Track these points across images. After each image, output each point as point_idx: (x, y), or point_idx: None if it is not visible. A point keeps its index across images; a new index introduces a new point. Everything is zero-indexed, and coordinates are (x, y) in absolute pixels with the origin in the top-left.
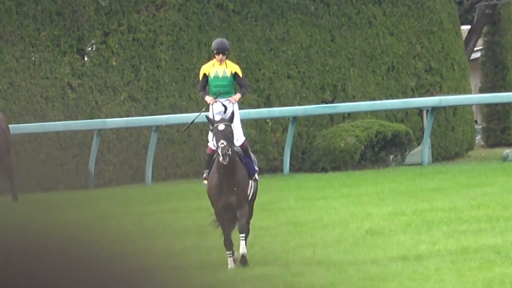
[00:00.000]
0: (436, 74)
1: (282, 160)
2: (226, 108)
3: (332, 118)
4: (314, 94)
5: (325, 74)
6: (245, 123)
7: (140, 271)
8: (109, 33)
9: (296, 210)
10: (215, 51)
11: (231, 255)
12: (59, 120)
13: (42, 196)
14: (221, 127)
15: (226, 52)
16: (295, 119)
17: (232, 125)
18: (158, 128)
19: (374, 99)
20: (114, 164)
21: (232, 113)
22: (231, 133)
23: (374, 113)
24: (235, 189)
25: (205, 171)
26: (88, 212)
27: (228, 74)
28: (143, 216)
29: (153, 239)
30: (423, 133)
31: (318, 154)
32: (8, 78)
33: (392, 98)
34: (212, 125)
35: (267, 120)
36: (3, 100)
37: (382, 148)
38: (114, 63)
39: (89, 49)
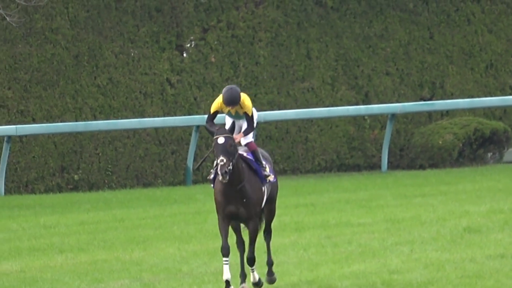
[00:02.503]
0: None
1: (380, 157)
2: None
3: (430, 115)
4: (412, 91)
5: (424, 71)
6: (343, 120)
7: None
8: (208, 30)
9: (394, 207)
10: (225, 104)
11: (227, 262)
12: (158, 116)
13: (141, 191)
14: (221, 140)
15: (237, 104)
16: (393, 116)
17: (232, 136)
18: (256, 124)
19: (472, 97)
20: (213, 160)
21: (233, 124)
22: (231, 146)
23: (472, 111)
24: (244, 200)
25: (211, 171)
26: (186, 208)
27: (241, 113)
28: None
29: None
30: None
31: (416, 151)
32: (107, 74)
33: (490, 96)
34: (212, 135)
35: (365, 117)
36: (102, 96)
37: (480, 146)
38: (213, 59)
39: (188, 45)
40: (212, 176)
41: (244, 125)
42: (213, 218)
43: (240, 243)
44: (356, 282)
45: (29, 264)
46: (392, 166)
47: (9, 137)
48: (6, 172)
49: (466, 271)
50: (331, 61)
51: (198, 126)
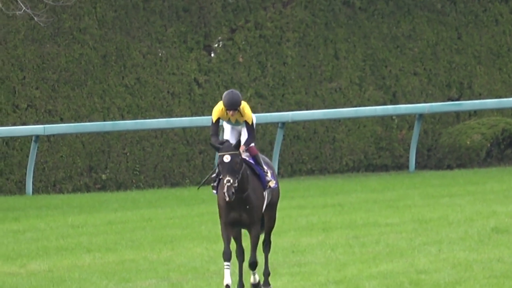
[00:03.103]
0: None
1: (408, 157)
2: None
3: (458, 116)
4: (440, 92)
5: (451, 71)
6: (370, 120)
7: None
8: (235, 30)
9: (422, 208)
10: (226, 107)
11: (228, 267)
12: (186, 116)
13: (168, 191)
14: (227, 158)
15: (238, 107)
16: (421, 116)
17: (238, 152)
18: (284, 124)
19: (500, 97)
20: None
21: (239, 141)
22: (237, 164)
23: (500, 111)
24: (247, 207)
25: (213, 177)
26: (214, 208)
27: (241, 121)
28: None
29: (279, 235)
30: None
31: (444, 152)
32: (135, 74)
33: None
34: (217, 151)
35: (393, 117)
36: (130, 95)
37: (508, 146)
38: (240, 59)
39: (216, 45)
40: (214, 184)
41: (244, 134)
42: None
43: (240, 252)
44: (384, 282)
45: (57, 263)
46: (420, 166)
47: (37, 136)
48: (34, 172)
49: (493, 271)
50: (358, 61)
51: None
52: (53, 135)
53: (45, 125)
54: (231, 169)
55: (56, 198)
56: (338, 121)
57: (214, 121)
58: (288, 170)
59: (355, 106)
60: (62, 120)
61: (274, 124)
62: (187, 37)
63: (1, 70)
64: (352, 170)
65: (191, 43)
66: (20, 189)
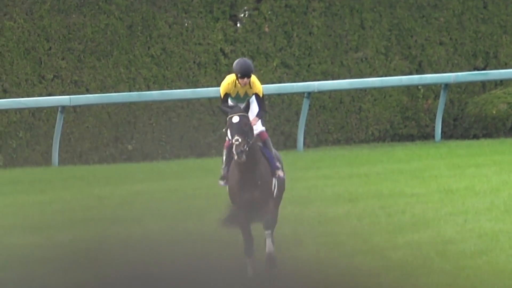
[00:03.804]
0: None
1: (434, 127)
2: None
3: (484, 85)
4: (466, 61)
5: (477, 41)
6: (396, 90)
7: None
8: (261, 0)
9: (448, 178)
10: (238, 75)
11: (251, 263)
12: (212, 86)
13: (194, 162)
14: (235, 119)
15: (251, 74)
16: (447, 86)
17: (248, 115)
18: (310, 94)
19: None
20: (266, 130)
21: (248, 103)
22: (247, 125)
23: None
24: (259, 182)
25: (223, 168)
26: None
27: (250, 94)
28: (295, 182)
29: (305, 205)
30: None
31: (470, 121)
32: (161, 44)
33: None
34: (226, 116)
35: (419, 87)
36: (156, 66)
37: None
38: (266, 29)
39: (242, 15)
40: (223, 173)
41: (255, 108)
42: None
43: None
44: (410, 252)
45: (83, 235)
46: (446, 136)
47: (63, 107)
48: (60, 143)
49: None
50: (384, 31)
51: None
52: (79, 106)
53: (71, 96)
54: (240, 129)
55: (82, 169)
56: (364, 91)
57: (222, 98)
58: (314, 140)
59: (381, 76)
60: (88, 91)
61: (300, 94)
62: (213, 7)
63: (27, 41)
64: (378, 140)
65: (217, 13)
66: (46, 160)
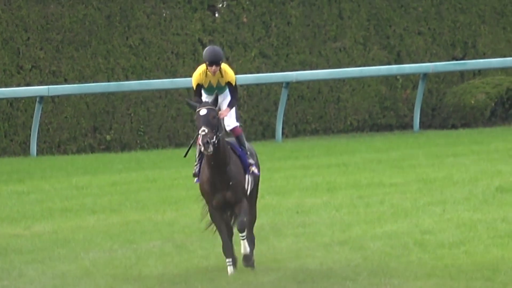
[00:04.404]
0: None
1: (412, 117)
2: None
3: (462, 75)
4: (444, 51)
5: (456, 30)
6: (375, 80)
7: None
8: None
9: (426, 167)
10: (207, 63)
11: (231, 263)
12: (190, 76)
13: (173, 152)
14: (203, 111)
15: (220, 62)
16: (425, 75)
17: (216, 108)
18: (288, 84)
19: (504, 56)
20: (245, 121)
21: (216, 96)
22: (214, 118)
23: (504, 70)
24: (230, 183)
25: (195, 166)
26: None
27: (223, 84)
28: (273, 172)
29: (283, 195)
30: None
31: (448, 111)
32: (139, 34)
33: None
34: (194, 110)
35: (397, 77)
36: (134, 56)
37: None
38: (245, 19)
39: (220, 5)
40: (196, 170)
41: (227, 98)
42: None
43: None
44: (388, 242)
45: (61, 225)
46: (424, 125)
47: (41, 97)
48: (38, 133)
49: (498, 231)
50: (363, 20)
51: None
52: (58, 96)
53: (49, 86)
54: (206, 120)
55: (60, 159)
56: (342, 80)
57: (195, 89)
58: (292, 130)
59: (360, 66)
60: (66, 81)
61: (279, 84)
62: None
63: (5, 31)
64: (356, 130)
65: (195, 3)
66: (24, 150)
